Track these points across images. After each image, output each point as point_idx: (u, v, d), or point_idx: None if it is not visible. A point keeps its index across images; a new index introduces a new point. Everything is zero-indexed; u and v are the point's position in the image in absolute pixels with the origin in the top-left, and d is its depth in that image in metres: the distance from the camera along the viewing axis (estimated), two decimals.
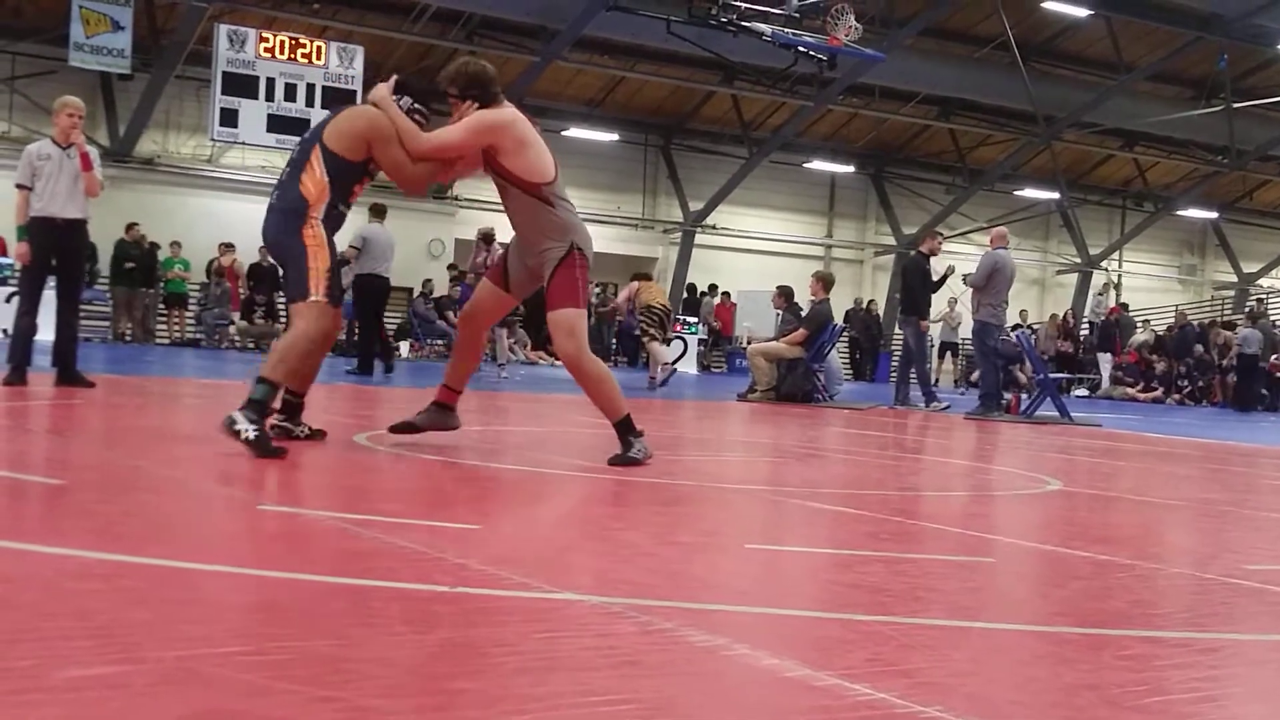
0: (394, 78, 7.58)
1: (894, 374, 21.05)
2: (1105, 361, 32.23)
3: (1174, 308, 37.76)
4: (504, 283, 7.59)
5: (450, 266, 32.55)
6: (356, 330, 20.64)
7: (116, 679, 2.44)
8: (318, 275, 6.93)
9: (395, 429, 7.64)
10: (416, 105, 7.43)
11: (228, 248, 28.32)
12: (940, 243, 18.51)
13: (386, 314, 28.13)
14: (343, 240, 8.21)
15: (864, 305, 36.68)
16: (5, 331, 24.17)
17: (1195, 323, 34.12)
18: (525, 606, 3.33)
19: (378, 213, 18.29)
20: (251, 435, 6.40)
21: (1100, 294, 38.49)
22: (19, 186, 10.95)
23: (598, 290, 32.78)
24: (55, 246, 10.99)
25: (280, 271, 7.64)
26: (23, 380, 10.75)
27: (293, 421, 7.48)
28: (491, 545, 4.30)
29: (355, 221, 18.40)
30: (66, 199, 10.94)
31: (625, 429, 7.20)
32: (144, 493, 5.15)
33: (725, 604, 3.56)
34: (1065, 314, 36.24)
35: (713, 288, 35.67)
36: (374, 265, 17.73)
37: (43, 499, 4.79)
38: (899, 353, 21.37)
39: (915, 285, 17.91)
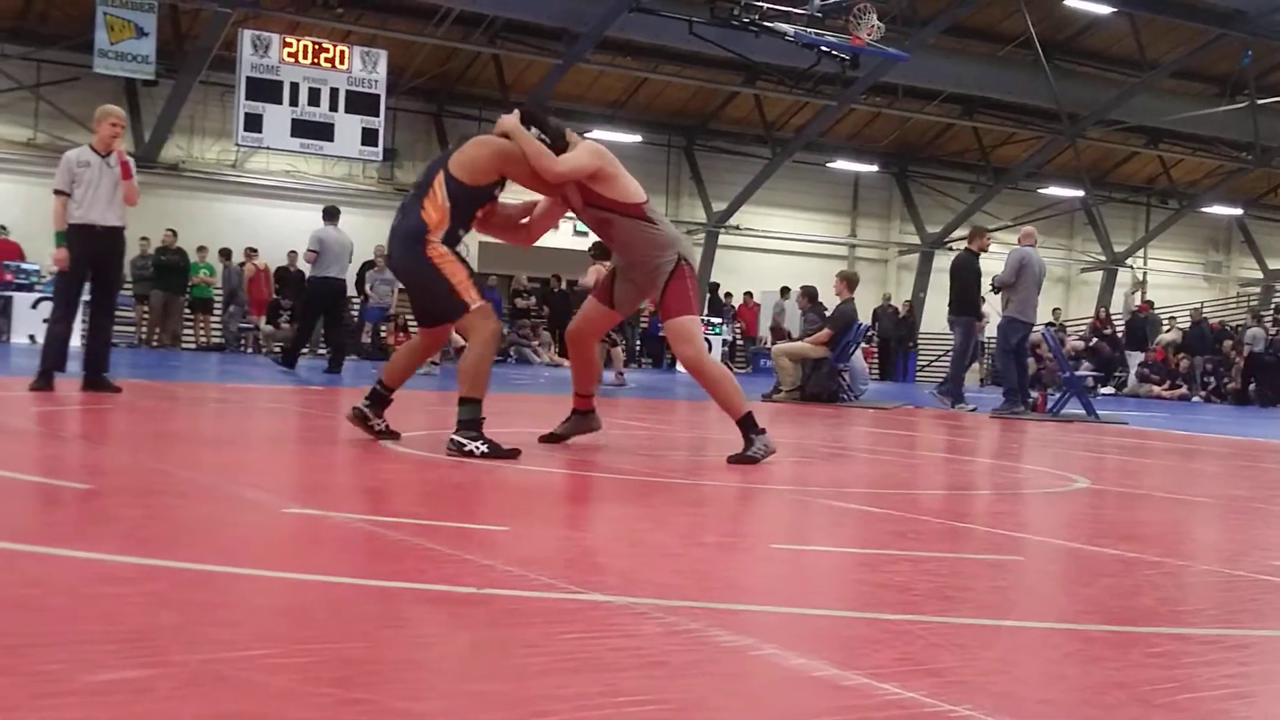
0: (517, 110, 7.71)
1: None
2: (1134, 359, 32.13)
3: (1199, 304, 37.66)
4: (609, 300, 7.94)
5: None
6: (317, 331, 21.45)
7: (144, 682, 2.44)
8: (464, 286, 7.22)
9: (543, 439, 8.03)
10: (543, 136, 7.55)
11: (251, 252, 28.44)
12: (989, 240, 18.31)
13: (412, 317, 28.30)
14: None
15: (892, 304, 36.54)
16: (32, 337, 24.34)
17: (1212, 320, 34.08)
18: (552, 607, 3.33)
19: (330, 215, 18.55)
20: (483, 449, 6.92)
21: (1131, 293, 38.38)
22: (58, 193, 10.99)
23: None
24: (93, 253, 11.00)
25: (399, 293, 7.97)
26: (50, 385, 10.81)
27: (375, 412, 7.77)
28: (519, 547, 4.30)
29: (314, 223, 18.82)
30: (105, 206, 11.00)
31: (747, 426, 7.54)
32: (171, 496, 5.16)
33: (752, 604, 3.55)
34: (1102, 311, 36.10)
35: (748, 295, 35.62)
36: (326, 268, 18.07)
37: (70, 503, 4.80)
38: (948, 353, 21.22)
39: (969, 284, 17.81)
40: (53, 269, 23.09)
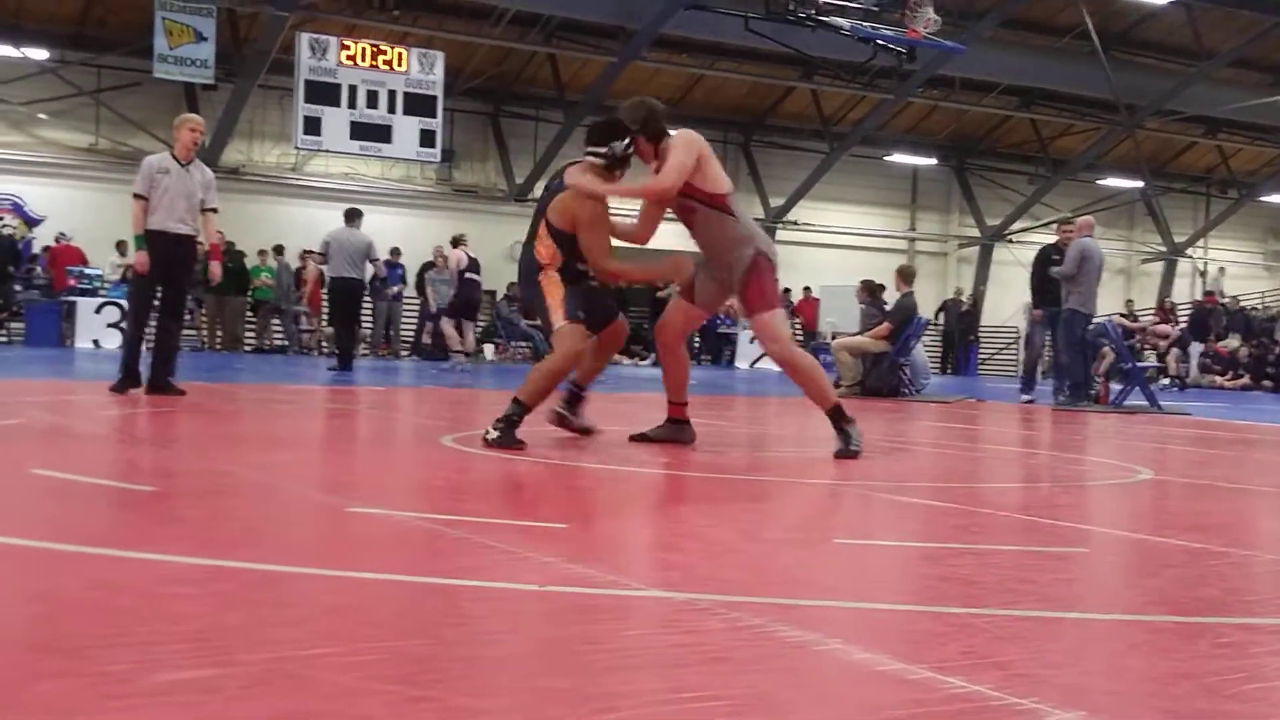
0: (587, 150, 7.75)
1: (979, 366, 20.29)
2: (1196, 350, 31.88)
3: (1259, 294, 37.35)
4: (692, 297, 7.99)
5: None
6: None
7: (210, 682, 2.46)
8: (555, 307, 7.53)
9: (633, 439, 8.11)
10: (625, 146, 7.63)
11: (309, 254, 28.58)
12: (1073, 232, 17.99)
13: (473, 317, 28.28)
14: None
15: (962, 297, 36.35)
16: (96, 342, 24.57)
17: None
18: (614, 604, 3.33)
19: (350, 217, 18.97)
20: (494, 435, 7.25)
21: (1216, 277, 38.14)
22: (137, 196, 11.13)
23: (677, 289, 32.77)
24: (166, 259, 11.13)
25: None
26: (136, 385, 11.06)
27: (573, 411, 8.16)
28: (579, 544, 4.31)
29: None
30: (181, 214, 11.16)
31: (837, 418, 7.66)
32: (235, 498, 5.19)
33: (815, 599, 3.55)
34: (1166, 302, 35.83)
35: (807, 290, 35.53)
36: (338, 269, 18.56)
37: (136, 506, 4.84)
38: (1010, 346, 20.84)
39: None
40: (113, 276, 23.36)
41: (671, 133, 7.65)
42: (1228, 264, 43.88)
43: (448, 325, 22.57)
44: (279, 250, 28.88)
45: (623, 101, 7.87)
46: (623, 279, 7.73)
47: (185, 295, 11.98)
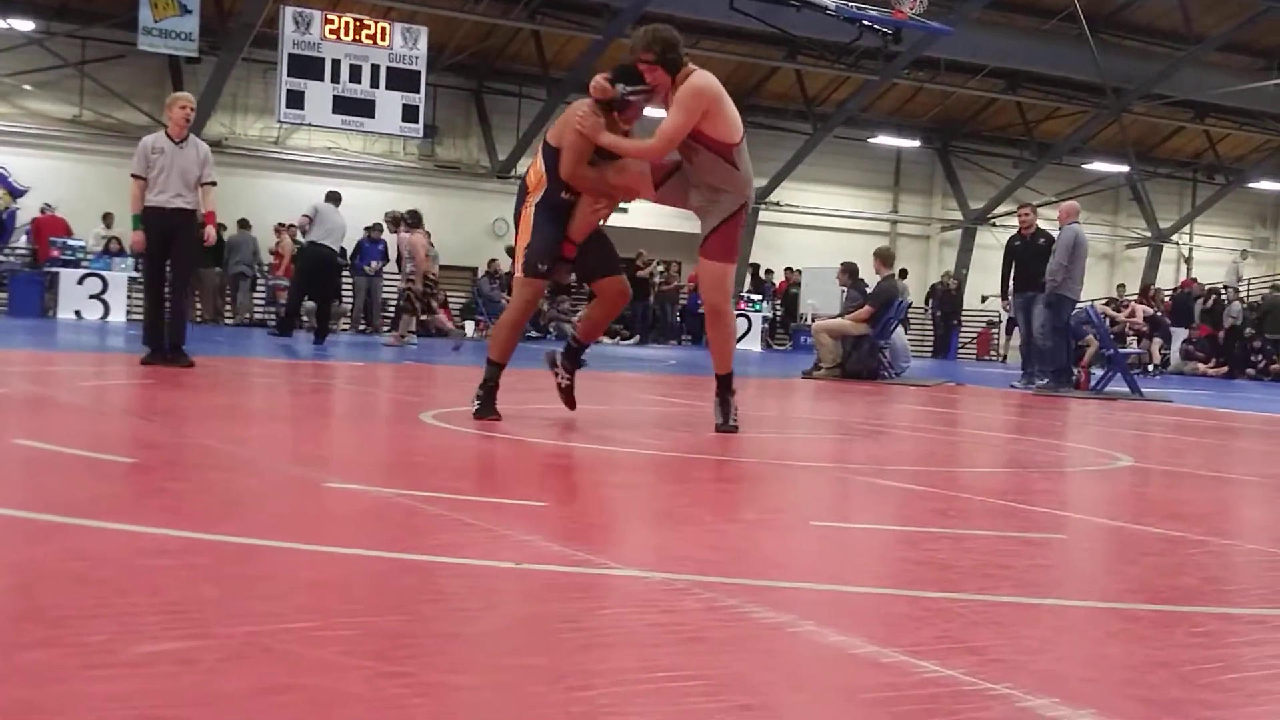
0: (600, 77, 7.69)
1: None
2: (1179, 335, 31.94)
3: (1245, 281, 37.44)
4: (659, 185, 7.86)
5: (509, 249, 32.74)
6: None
7: (187, 654, 2.46)
8: (518, 253, 7.69)
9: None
10: (630, 91, 7.59)
11: (283, 228, 28.45)
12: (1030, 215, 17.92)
13: (452, 293, 28.22)
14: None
15: (954, 280, 36.39)
16: (79, 313, 24.53)
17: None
18: (590, 583, 3.34)
19: (332, 198, 19.33)
20: (476, 406, 7.55)
21: (1236, 261, 38.25)
22: (135, 177, 11.50)
23: (661, 269, 32.78)
24: (167, 233, 11.48)
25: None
26: (164, 360, 11.37)
27: (567, 364, 8.06)
28: (557, 522, 4.32)
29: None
30: (177, 189, 11.47)
31: (725, 387, 7.77)
32: (214, 471, 5.19)
33: (791, 581, 3.55)
34: (1150, 288, 35.89)
35: (789, 270, 35.54)
36: (322, 236, 18.73)
37: (116, 478, 4.84)
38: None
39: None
40: (96, 247, 23.26)
41: (693, 69, 7.58)
42: (1214, 250, 43.96)
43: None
44: (244, 224, 28.74)
45: (637, 32, 7.75)
46: (583, 186, 7.58)
47: (189, 268, 12.47)
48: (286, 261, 27.67)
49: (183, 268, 11.89)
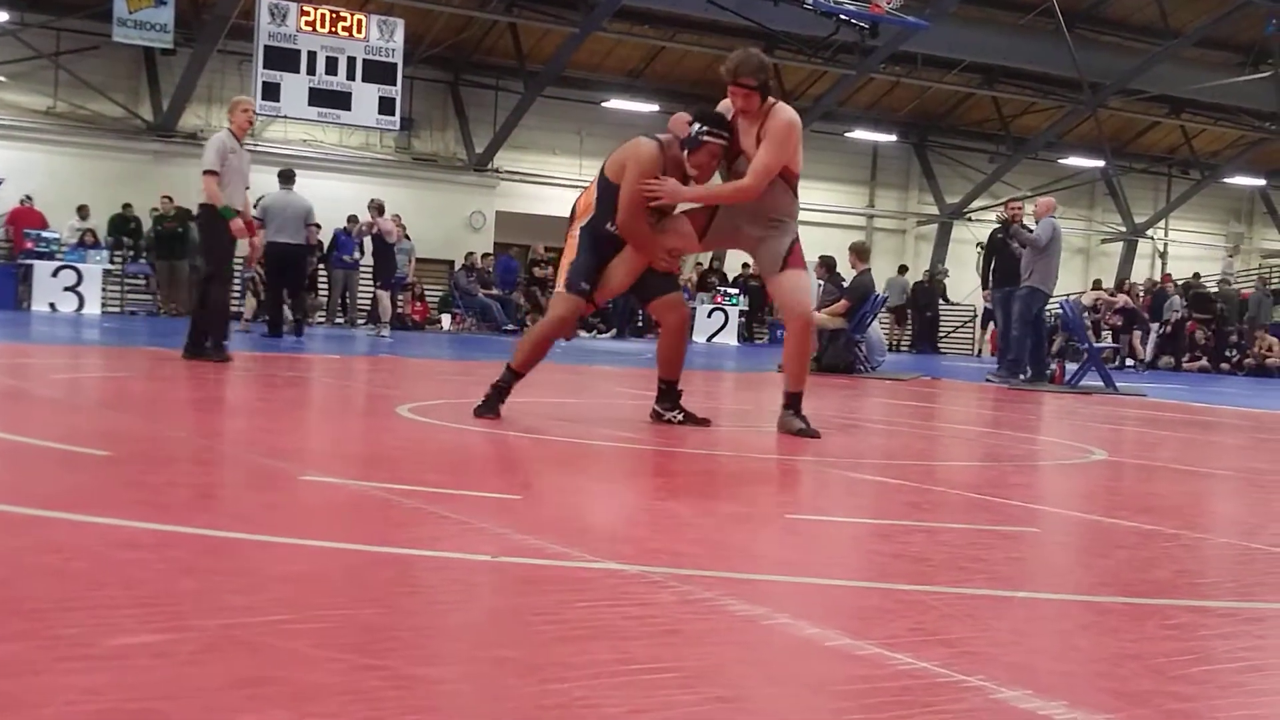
0: (684, 118, 7.65)
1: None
2: (1154, 331, 32.02)
3: (1218, 276, 37.56)
4: (703, 234, 7.83)
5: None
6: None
7: (163, 647, 2.46)
8: (563, 269, 7.57)
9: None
10: (705, 132, 7.49)
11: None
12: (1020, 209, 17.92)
13: (429, 286, 28.16)
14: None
15: (940, 276, 36.47)
16: (53, 305, 24.44)
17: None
18: (567, 576, 3.35)
19: (285, 178, 18.66)
20: (478, 405, 7.37)
21: (1230, 255, 38.30)
22: (210, 173, 11.54)
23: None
24: (229, 235, 11.62)
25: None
26: (227, 357, 11.52)
27: (663, 407, 7.82)
28: (533, 515, 4.32)
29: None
30: (239, 191, 11.72)
31: (796, 403, 7.63)
32: (189, 463, 5.19)
33: (766, 574, 3.57)
34: (1125, 282, 35.98)
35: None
36: (274, 234, 17.98)
37: (91, 470, 4.83)
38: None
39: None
40: (70, 239, 23.13)
41: (774, 101, 7.55)
42: (1189, 245, 44.08)
43: (384, 295, 22.69)
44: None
45: (737, 54, 7.68)
46: (634, 240, 7.44)
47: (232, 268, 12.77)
48: (259, 253, 27.56)
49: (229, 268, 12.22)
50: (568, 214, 7.83)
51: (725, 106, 7.62)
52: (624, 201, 7.37)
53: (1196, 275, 37.36)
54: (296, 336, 18.35)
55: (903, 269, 36.95)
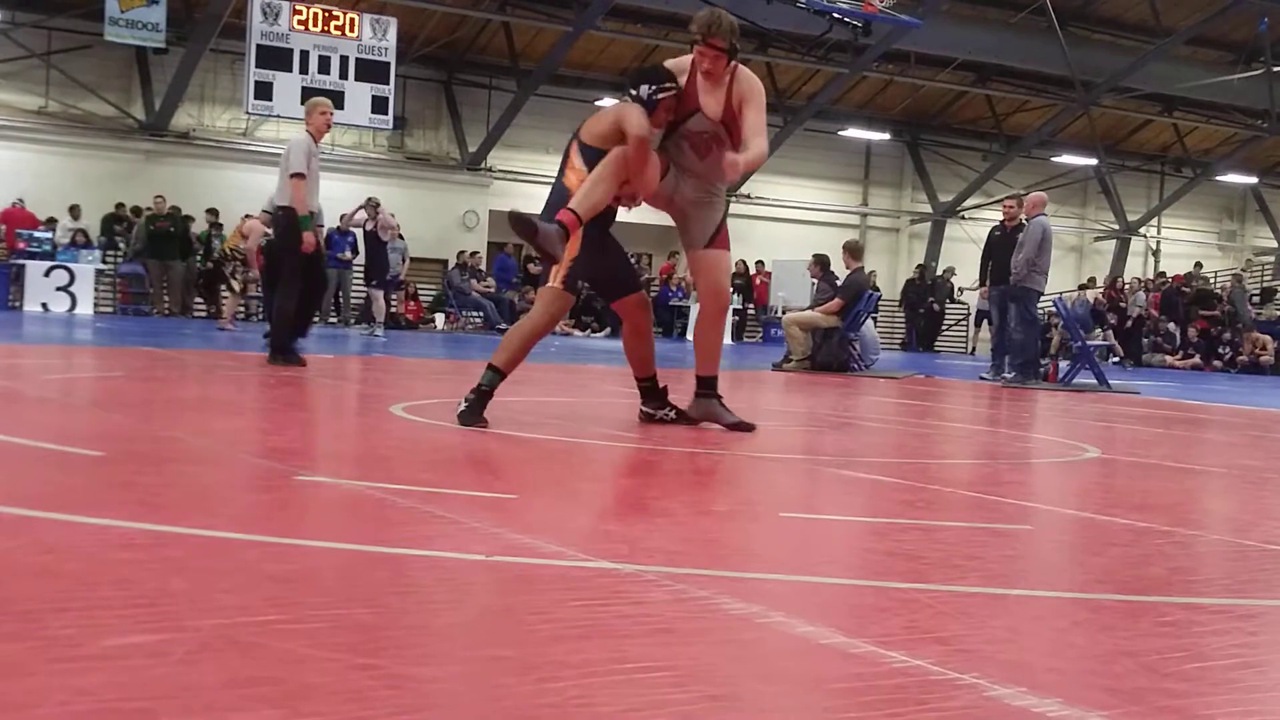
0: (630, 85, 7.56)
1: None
2: (1171, 329, 31.92)
3: (1212, 273, 37.59)
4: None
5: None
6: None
7: (157, 647, 2.46)
8: (562, 266, 7.23)
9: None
10: (656, 91, 7.35)
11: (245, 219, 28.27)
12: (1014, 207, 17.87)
13: (422, 286, 28.13)
14: None
15: (938, 274, 36.55)
16: (45, 305, 24.41)
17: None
18: (561, 575, 3.34)
19: None
20: (462, 408, 6.93)
21: (1249, 257, 38.40)
22: (298, 176, 11.50)
23: (632, 262, 32.77)
24: (313, 237, 11.77)
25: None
26: (301, 361, 11.54)
27: (655, 406, 7.80)
28: (527, 515, 4.32)
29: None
30: (316, 193, 11.83)
31: (712, 385, 7.68)
32: (183, 463, 5.18)
33: (760, 572, 3.56)
34: (1118, 280, 36.02)
35: (759, 264, 35.51)
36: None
37: (83, 470, 4.82)
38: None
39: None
40: (63, 239, 22.99)
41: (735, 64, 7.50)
42: (1182, 243, 44.12)
43: (378, 294, 22.66)
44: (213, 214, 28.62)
45: (705, 13, 7.52)
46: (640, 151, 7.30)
47: (324, 268, 12.92)
48: (255, 253, 27.50)
49: (321, 270, 12.34)
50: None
51: (674, 65, 7.53)
52: (635, 129, 7.17)
53: (1198, 264, 37.42)
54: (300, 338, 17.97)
55: (921, 269, 37.12)
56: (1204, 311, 31.95)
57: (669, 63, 7.58)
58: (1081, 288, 34.26)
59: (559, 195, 7.36)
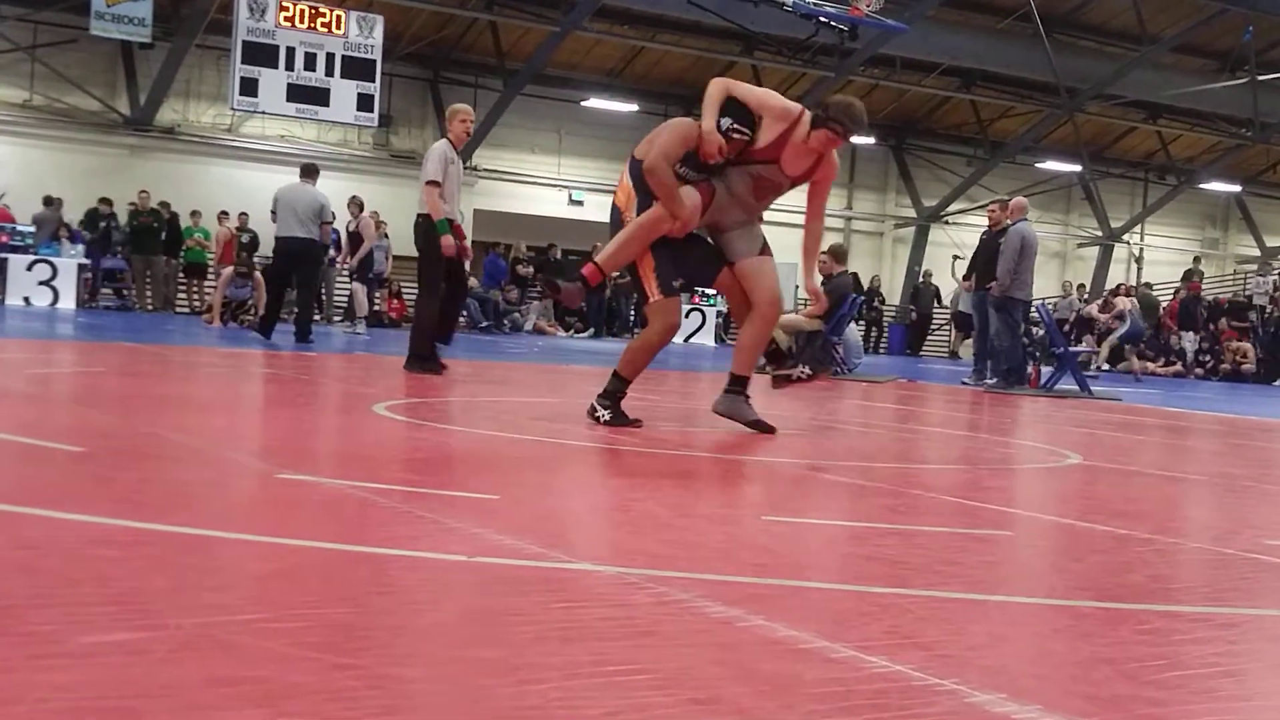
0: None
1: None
2: (1189, 341, 31.88)
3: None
4: (723, 259, 7.96)
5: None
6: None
7: (137, 645, 2.45)
8: (648, 278, 7.57)
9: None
10: (735, 125, 7.53)
11: (224, 215, 28.24)
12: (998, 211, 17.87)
13: (406, 284, 28.08)
14: None
15: (928, 279, 36.67)
16: (27, 299, 24.34)
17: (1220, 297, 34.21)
18: (543, 576, 3.34)
19: (305, 172, 17.74)
20: (606, 417, 7.44)
21: (1267, 264, 38.60)
22: (433, 183, 11.58)
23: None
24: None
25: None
26: (439, 369, 11.40)
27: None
28: (510, 515, 4.31)
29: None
30: (453, 201, 11.83)
31: (743, 385, 7.85)
32: (164, 461, 5.17)
33: (742, 576, 3.56)
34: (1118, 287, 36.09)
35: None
36: (284, 227, 17.17)
37: (64, 466, 4.81)
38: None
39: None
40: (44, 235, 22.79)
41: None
42: (1165, 250, 44.25)
43: (360, 290, 22.65)
44: (194, 214, 28.61)
45: (848, 100, 7.90)
46: (659, 185, 7.41)
47: (465, 273, 13.17)
48: (221, 250, 27.47)
49: (461, 277, 12.45)
50: (608, 218, 7.83)
51: (754, 98, 7.64)
52: (660, 149, 7.43)
53: (1197, 258, 37.50)
54: (305, 341, 17.06)
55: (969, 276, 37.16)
56: (1236, 323, 31.84)
57: (777, 102, 7.71)
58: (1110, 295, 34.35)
59: (612, 214, 7.73)
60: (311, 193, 17.41)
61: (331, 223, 18.62)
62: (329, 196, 17.61)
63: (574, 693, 2.35)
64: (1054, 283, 39.12)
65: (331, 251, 26.62)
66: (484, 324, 28.75)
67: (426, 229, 11.63)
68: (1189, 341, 31.90)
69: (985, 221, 18.12)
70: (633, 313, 33.24)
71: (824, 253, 18.20)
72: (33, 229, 26.26)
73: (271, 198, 17.50)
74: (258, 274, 21.73)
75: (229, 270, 23.02)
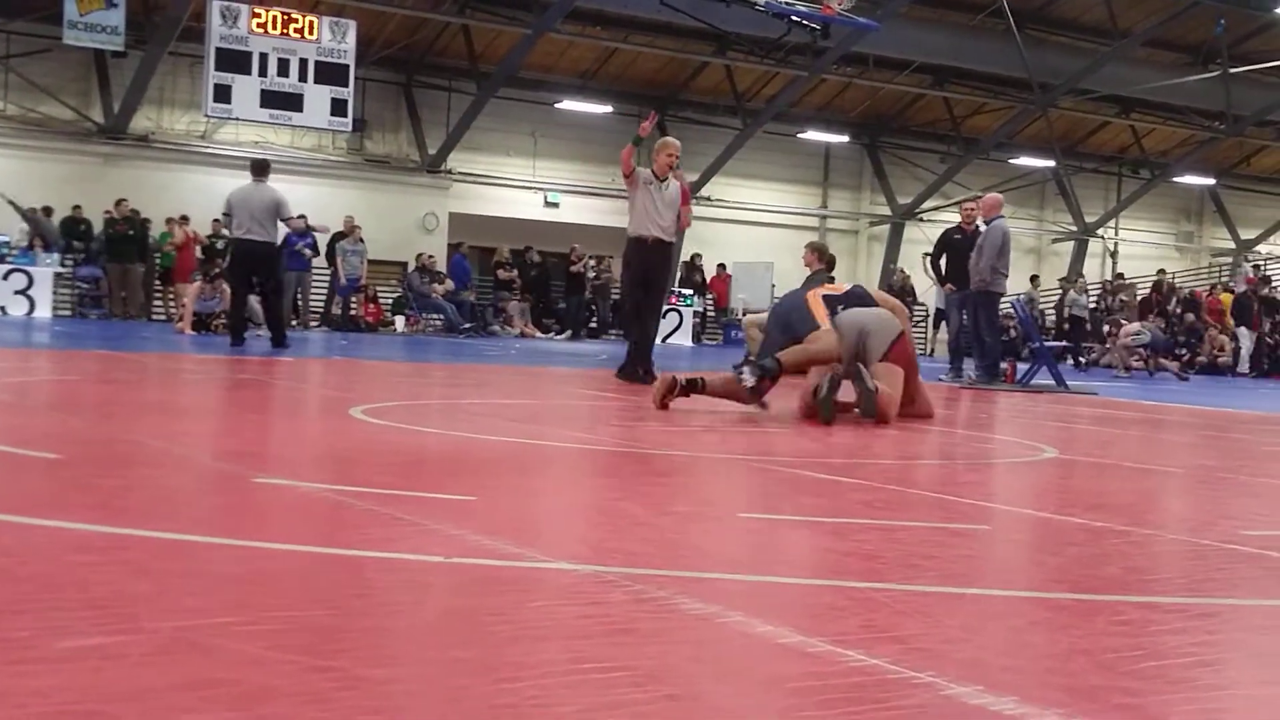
0: (997, 199, 8.84)
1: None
2: (1245, 337, 31.75)
3: (1171, 275, 37.78)
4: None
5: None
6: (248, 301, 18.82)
7: (115, 649, 2.45)
8: (823, 318, 9.42)
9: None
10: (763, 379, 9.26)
11: (183, 220, 28.08)
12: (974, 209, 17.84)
13: (381, 288, 28.03)
14: None
15: (903, 276, 36.69)
16: (3, 309, 24.24)
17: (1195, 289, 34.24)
18: (520, 576, 3.35)
19: (256, 170, 17.06)
20: (751, 381, 8.87)
21: (1245, 258, 38.47)
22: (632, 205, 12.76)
23: (593, 262, 32.77)
24: (648, 262, 12.71)
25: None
26: (652, 379, 11.85)
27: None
28: (487, 516, 4.32)
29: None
30: (652, 221, 12.69)
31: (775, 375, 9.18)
32: (141, 466, 5.16)
33: (719, 572, 3.57)
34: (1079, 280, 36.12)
35: (720, 266, 35.52)
36: (238, 229, 16.53)
37: (41, 473, 4.80)
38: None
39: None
40: (22, 243, 22.77)
41: None
42: (1140, 244, 44.37)
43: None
44: (185, 221, 28.52)
45: None
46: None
47: (664, 295, 14.28)
48: (179, 252, 27.43)
49: (659, 295, 13.38)
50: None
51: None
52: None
53: (1161, 271, 37.55)
54: (281, 347, 16.47)
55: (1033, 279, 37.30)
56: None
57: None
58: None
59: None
60: (266, 192, 16.71)
61: (296, 219, 18.25)
62: (303, 202, 17.30)
63: (551, 691, 2.36)
64: (1027, 278, 39.20)
65: (307, 253, 26.55)
66: (464, 325, 28.71)
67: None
68: (1245, 337, 31.66)
69: (960, 218, 18.09)
70: (611, 313, 33.28)
71: (806, 247, 18.23)
72: (7, 238, 26.19)
73: (225, 201, 16.85)
74: (225, 286, 21.26)
75: (196, 285, 22.84)
